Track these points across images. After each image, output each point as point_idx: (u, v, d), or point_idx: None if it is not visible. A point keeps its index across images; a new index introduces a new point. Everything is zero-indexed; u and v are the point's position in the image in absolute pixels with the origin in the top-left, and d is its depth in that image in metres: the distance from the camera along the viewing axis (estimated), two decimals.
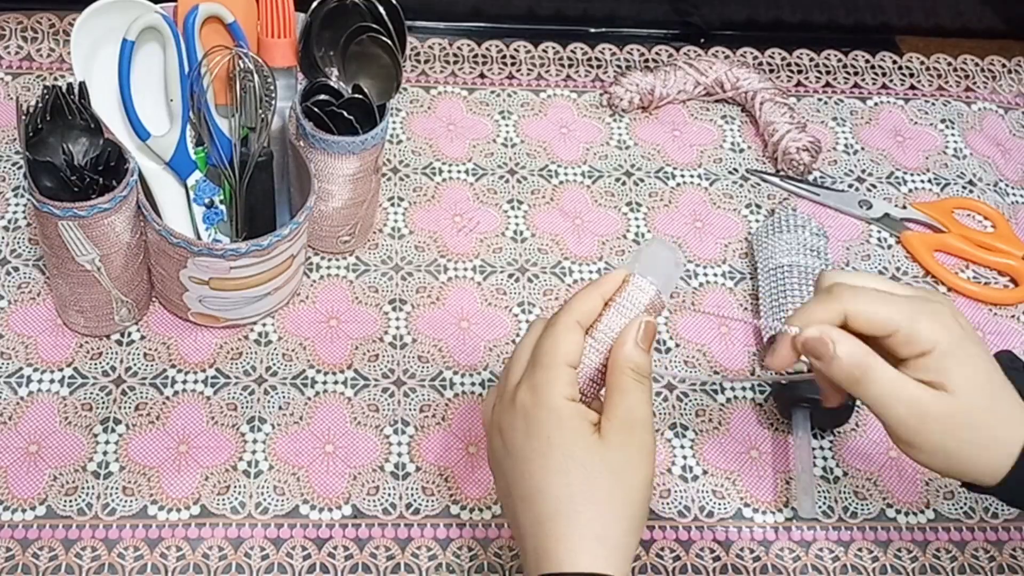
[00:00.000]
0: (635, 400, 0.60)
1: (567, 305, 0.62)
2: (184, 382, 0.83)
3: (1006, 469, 0.59)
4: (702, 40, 1.14)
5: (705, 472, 0.83)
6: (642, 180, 1.01)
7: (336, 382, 0.84)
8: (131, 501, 0.77)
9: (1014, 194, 1.05)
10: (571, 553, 0.57)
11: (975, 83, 1.14)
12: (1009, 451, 0.59)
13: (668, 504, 0.81)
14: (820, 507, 0.82)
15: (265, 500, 0.78)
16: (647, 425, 0.60)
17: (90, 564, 0.74)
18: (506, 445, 0.61)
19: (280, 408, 0.82)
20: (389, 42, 0.80)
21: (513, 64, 1.09)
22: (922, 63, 1.15)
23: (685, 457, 0.84)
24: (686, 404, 0.86)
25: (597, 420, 0.60)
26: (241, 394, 0.83)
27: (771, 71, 1.12)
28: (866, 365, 0.59)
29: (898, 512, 0.83)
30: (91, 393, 0.81)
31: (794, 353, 0.61)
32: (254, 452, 0.80)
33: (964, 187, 1.05)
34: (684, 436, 0.85)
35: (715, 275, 0.94)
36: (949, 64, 1.16)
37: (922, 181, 1.05)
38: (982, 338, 0.93)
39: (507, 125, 1.03)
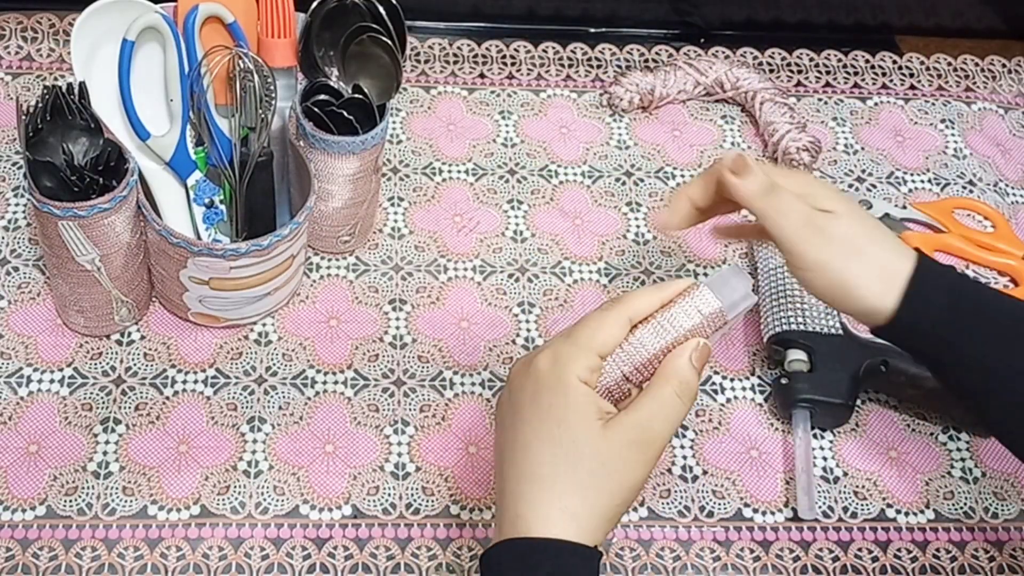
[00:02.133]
0: (664, 413, 0.59)
1: (624, 298, 0.62)
2: (184, 382, 0.83)
3: (894, 302, 0.66)
4: (702, 40, 1.14)
5: (705, 472, 0.83)
6: (642, 180, 1.01)
7: (336, 382, 0.84)
8: (131, 501, 0.77)
9: (1014, 194, 1.05)
10: (541, 520, 0.58)
11: (975, 83, 1.14)
12: (896, 283, 0.66)
13: (668, 504, 0.81)
14: (820, 507, 0.82)
15: (265, 500, 0.78)
16: (659, 441, 0.59)
17: (90, 564, 0.74)
18: (512, 399, 0.62)
19: (280, 408, 0.82)
20: (389, 42, 0.80)
21: (513, 64, 1.09)
22: (922, 63, 1.15)
23: (685, 457, 0.84)
24: None
25: (608, 411, 0.60)
26: (241, 394, 0.83)
27: (771, 71, 1.12)
28: (773, 181, 0.66)
29: (898, 512, 0.83)
30: (91, 393, 0.81)
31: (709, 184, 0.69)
32: (254, 452, 0.80)
33: (964, 187, 1.05)
34: (684, 436, 0.85)
35: None
36: (949, 64, 1.16)
37: (922, 181, 1.05)
38: None
39: (507, 125, 1.03)
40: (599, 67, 1.10)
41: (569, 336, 0.61)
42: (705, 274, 0.94)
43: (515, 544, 0.58)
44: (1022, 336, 0.67)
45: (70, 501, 0.76)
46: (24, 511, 0.75)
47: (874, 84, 1.13)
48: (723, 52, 1.13)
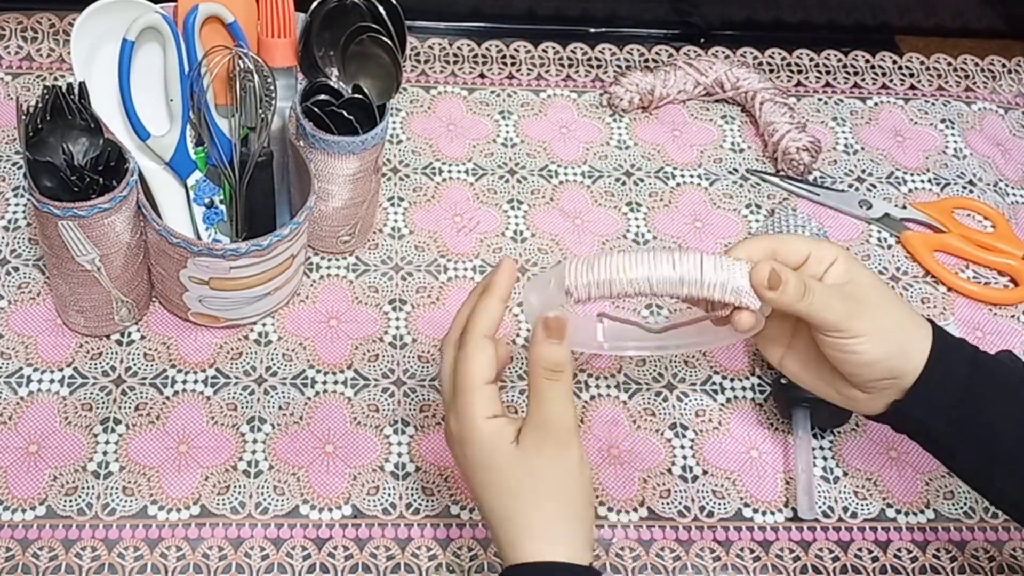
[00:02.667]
0: (548, 402, 0.63)
1: (471, 321, 0.64)
2: (184, 382, 0.83)
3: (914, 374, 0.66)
4: (702, 40, 1.14)
5: (705, 472, 0.83)
6: (642, 180, 1.01)
7: (336, 382, 0.84)
8: (131, 501, 0.77)
9: (1014, 194, 1.05)
10: (525, 552, 0.62)
11: (975, 83, 1.14)
12: (917, 361, 0.66)
13: (668, 504, 0.81)
14: (820, 507, 0.82)
15: (265, 500, 0.78)
16: (563, 424, 0.63)
17: (90, 564, 0.74)
18: (457, 461, 0.66)
19: (280, 408, 0.82)
20: (389, 42, 0.80)
21: (513, 64, 1.09)
22: (922, 63, 1.15)
23: (685, 457, 0.84)
24: (686, 404, 0.86)
25: (515, 429, 0.64)
26: (241, 394, 0.83)
27: (771, 71, 1.12)
28: (806, 281, 0.65)
29: (898, 512, 0.83)
30: (91, 393, 0.81)
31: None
32: (254, 452, 0.80)
33: (964, 187, 1.05)
34: (684, 436, 0.85)
35: None
36: (949, 64, 1.16)
37: (922, 181, 1.05)
38: (982, 338, 0.93)
39: (507, 125, 1.03)
40: (599, 67, 1.10)
41: (454, 387, 0.64)
42: None
43: (520, 571, 0.62)
44: None
45: (70, 501, 0.76)
46: (24, 511, 0.75)
47: (874, 84, 1.13)
48: (723, 52, 1.13)
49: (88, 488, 0.77)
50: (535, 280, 0.67)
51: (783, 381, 0.84)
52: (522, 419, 0.64)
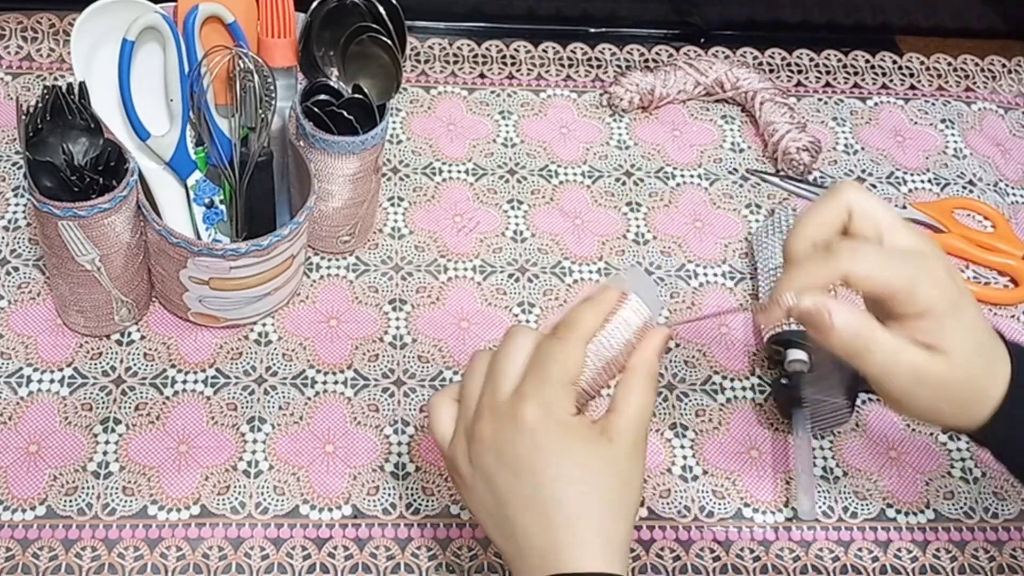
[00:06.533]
0: (647, 403, 0.62)
1: (573, 322, 0.62)
2: (184, 382, 0.83)
3: (986, 417, 0.60)
4: (702, 40, 1.14)
5: (705, 472, 0.83)
6: (642, 180, 1.01)
7: (336, 382, 0.84)
8: (131, 501, 0.77)
9: (1014, 194, 1.05)
10: (582, 556, 0.58)
11: (975, 83, 1.14)
12: (991, 405, 0.60)
13: (668, 504, 0.81)
14: (820, 507, 0.82)
15: (265, 500, 0.78)
16: (646, 431, 0.63)
17: (90, 564, 0.74)
18: (503, 458, 0.61)
19: (280, 408, 0.82)
20: (389, 42, 0.80)
21: (513, 64, 1.09)
22: (922, 63, 1.15)
23: (685, 457, 0.84)
24: (686, 404, 0.86)
25: (596, 424, 0.62)
26: (241, 394, 0.83)
27: (771, 71, 1.12)
28: (866, 337, 0.57)
29: (898, 512, 0.83)
30: (91, 393, 0.81)
31: (786, 316, 0.60)
32: (254, 452, 0.80)
33: (964, 187, 1.05)
34: (684, 436, 0.85)
35: (715, 275, 0.94)
36: (949, 64, 1.16)
37: (922, 181, 1.05)
38: None
39: (507, 125, 1.03)
40: (599, 67, 1.10)
41: (540, 377, 0.61)
42: (704, 274, 0.94)
43: None
44: None
45: (70, 501, 0.76)
46: (24, 511, 0.75)
47: (874, 84, 1.13)
48: (723, 52, 1.13)
49: (88, 488, 0.77)
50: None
51: (783, 381, 0.84)
52: (599, 419, 0.61)
